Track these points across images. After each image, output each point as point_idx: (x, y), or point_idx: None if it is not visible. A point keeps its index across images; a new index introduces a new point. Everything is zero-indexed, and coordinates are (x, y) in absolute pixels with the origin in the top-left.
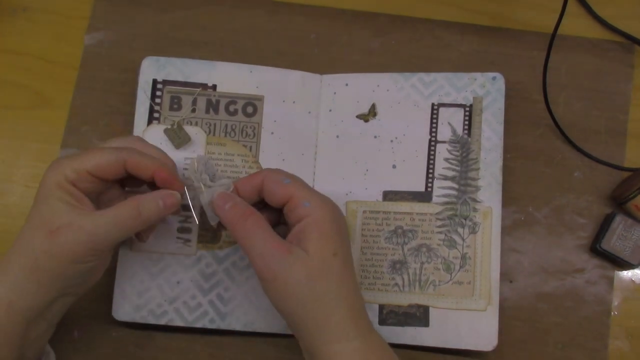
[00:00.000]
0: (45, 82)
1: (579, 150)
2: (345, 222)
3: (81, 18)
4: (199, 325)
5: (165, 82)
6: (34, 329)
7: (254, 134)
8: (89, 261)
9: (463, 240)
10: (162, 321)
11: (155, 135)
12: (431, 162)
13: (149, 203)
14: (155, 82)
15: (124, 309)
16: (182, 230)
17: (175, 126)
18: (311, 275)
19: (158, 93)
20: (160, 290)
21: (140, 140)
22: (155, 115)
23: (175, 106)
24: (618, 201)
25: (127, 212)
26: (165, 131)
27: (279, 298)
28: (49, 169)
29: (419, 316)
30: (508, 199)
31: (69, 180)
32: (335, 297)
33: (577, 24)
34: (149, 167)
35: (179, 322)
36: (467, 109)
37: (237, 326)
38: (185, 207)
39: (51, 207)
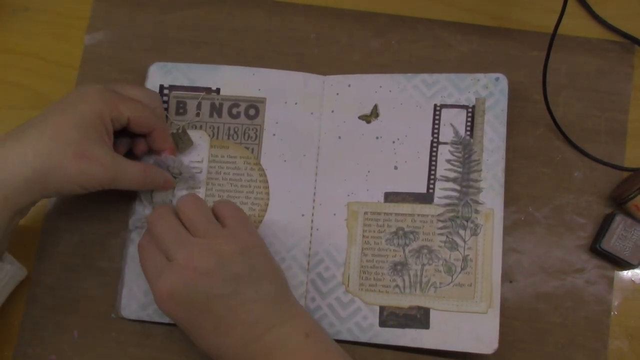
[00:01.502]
0: (45, 82)
1: (579, 150)
2: None
3: (81, 18)
4: None
5: (172, 88)
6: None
7: (256, 136)
8: (79, 191)
9: (464, 242)
10: (167, 319)
11: None
12: (433, 163)
13: (154, 176)
14: (162, 87)
15: (131, 307)
16: None
17: (180, 130)
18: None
19: (164, 98)
20: None
21: (157, 98)
22: None
23: (181, 110)
24: (618, 201)
25: (138, 173)
26: (171, 136)
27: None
28: (99, 92)
29: (419, 318)
30: (508, 199)
31: (112, 117)
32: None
33: (577, 24)
34: (155, 128)
35: None
36: (470, 110)
37: None
38: None
39: (86, 132)
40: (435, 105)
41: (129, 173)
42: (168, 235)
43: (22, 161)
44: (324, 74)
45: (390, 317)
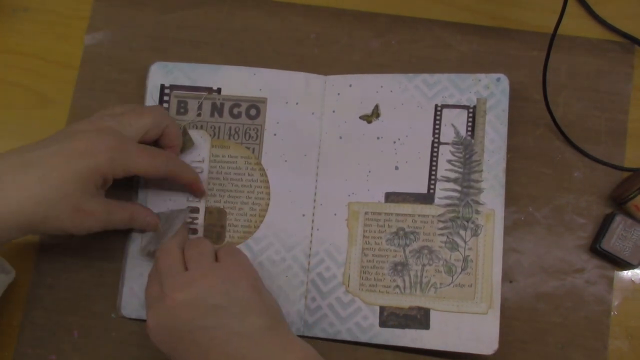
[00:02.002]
0: (45, 82)
1: (579, 150)
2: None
3: (81, 18)
4: None
5: (173, 87)
6: None
7: (257, 136)
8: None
9: (465, 242)
10: None
11: None
12: (434, 163)
13: (140, 219)
14: (162, 87)
15: (132, 306)
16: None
17: (181, 130)
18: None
19: (166, 98)
20: None
21: (166, 116)
22: None
23: (182, 110)
24: (618, 201)
25: (126, 219)
26: None
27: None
28: (110, 150)
29: (419, 319)
30: (508, 199)
31: (110, 173)
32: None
33: (577, 24)
34: (189, 179)
35: None
36: (471, 110)
37: None
38: (193, 210)
39: (86, 187)
40: (437, 106)
41: (118, 220)
42: (165, 269)
43: (18, 206)
44: (324, 74)
45: (390, 318)
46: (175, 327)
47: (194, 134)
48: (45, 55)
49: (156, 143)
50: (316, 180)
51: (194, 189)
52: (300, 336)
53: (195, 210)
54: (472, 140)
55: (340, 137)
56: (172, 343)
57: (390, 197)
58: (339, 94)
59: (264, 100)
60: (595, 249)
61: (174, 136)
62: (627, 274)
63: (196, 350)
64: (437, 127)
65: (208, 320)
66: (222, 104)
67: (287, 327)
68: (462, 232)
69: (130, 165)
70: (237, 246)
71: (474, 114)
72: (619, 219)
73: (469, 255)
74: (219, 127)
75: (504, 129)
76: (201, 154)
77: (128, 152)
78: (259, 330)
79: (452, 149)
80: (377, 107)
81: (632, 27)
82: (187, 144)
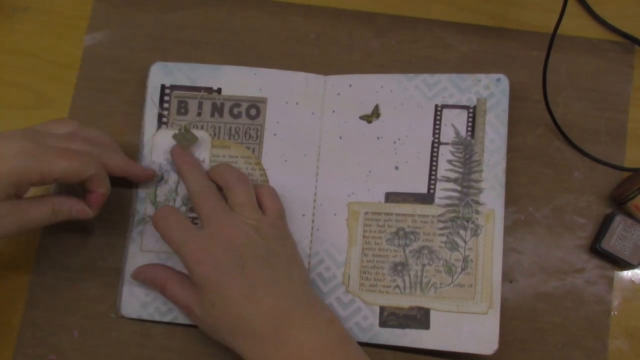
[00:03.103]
0: (45, 82)
1: (579, 150)
2: None
3: (81, 18)
4: None
5: (173, 87)
6: None
7: (257, 136)
8: None
9: (465, 242)
10: (167, 318)
11: (164, 140)
12: (434, 163)
13: (64, 208)
14: (163, 87)
15: (132, 306)
16: None
17: (182, 130)
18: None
19: (166, 98)
20: None
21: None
22: (164, 119)
23: (182, 110)
24: (618, 201)
25: (45, 211)
26: (174, 136)
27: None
28: (18, 159)
29: (419, 319)
30: (508, 199)
31: (32, 182)
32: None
33: (577, 24)
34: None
35: (182, 320)
36: (471, 110)
37: None
38: (194, 209)
39: None
40: (437, 106)
41: (36, 218)
42: (210, 209)
43: None
44: (324, 74)
45: (390, 318)
46: (224, 258)
47: (194, 133)
48: (45, 55)
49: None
50: (316, 180)
51: (142, 180)
52: None
53: None
54: (472, 140)
55: (340, 137)
56: (217, 274)
57: (390, 197)
58: (339, 94)
59: (264, 100)
60: (595, 249)
61: (96, 184)
62: (627, 274)
63: (242, 282)
64: (437, 127)
65: (260, 257)
66: (222, 104)
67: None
68: (462, 232)
69: (45, 171)
70: None
71: (474, 114)
72: (618, 219)
73: (469, 255)
74: (219, 127)
75: (504, 129)
76: (201, 154)
77: (43, 156)
78: (300, 280)
79: (452, 149)
80: (377, 107)
81: (632, 27)
82: (190, 141)
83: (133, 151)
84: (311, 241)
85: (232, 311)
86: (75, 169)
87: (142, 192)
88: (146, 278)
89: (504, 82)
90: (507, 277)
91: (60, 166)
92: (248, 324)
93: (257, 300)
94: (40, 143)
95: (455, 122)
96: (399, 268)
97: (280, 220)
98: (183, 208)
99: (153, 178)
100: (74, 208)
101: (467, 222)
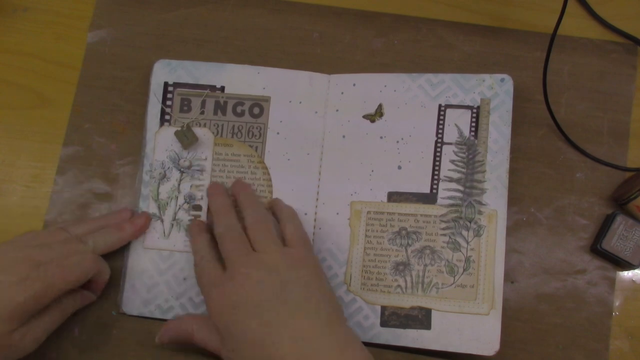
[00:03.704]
0: (46, 82)
1: (580, 151)
2: None
3: (82, 18)
4: None
5: (176, 85)
6: None
7: (260, 135)
8: None
9: (467, 243)
10: (168, 316)
11: (166, 137)
12: (437, 163)
13: (68, 307)
14: (166, 84)
15: (134, 303)
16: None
17: (184, 128)
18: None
19: (169, 95)
20: (168, 286)
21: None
22: (167, 117)
23: (185, 108)
24: (619, 202)
25: (57, 319)
26: (175, 133)
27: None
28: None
29: (421, 319)
30: (510, 199)
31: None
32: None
33: (580, 25)
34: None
35: None
36: (475, 110)
37: None
38: (196, 207)
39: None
40: (440, 106)
41: (50, 329)
42: (233, 249)
43: None
44: (327, 73)
45: (391, 317)
46: (240, 299)
47: (196, 132)
48: (45, 55)
49: None
50: (319, 179)
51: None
52: None
53: (198, 208)
54: (476, 141)
55: (344, 136)
56: (234, 315)
57: (393, 196)
58: (342, 93)
59: (267, 99)
60: (596, 249)
61: (97, 276)
62: (628, 274)
63: (258, 322)
64: (440, 127)
65: (274, 296)
66: (225, 102)
67: (345, 321)
68: (464, 233)
69: (49, 298)
70: None
71: (477, 115)
72: (619, 219)
73: (471, 256)
74: (222, 125)
75: (507, 130)
76: (204, 152)
77: (42, 283)
78: (321, 316)
79: (456, 149)
80: (380, 106)
81: (633, 27)
82: (191, 140)
83: (135, 149)
84: (313, 240)
85: (250, 357)
86: (75, 280)
87: (144, 190)
88: (172, 337)
89: (508, 83)
90: (509, 277)
91: (61, 286)
92: None
93: (272, 345)
94: (39, 269)
95: (458, 122)
96: (401, 268)
97: (299, 249)
98: (185, 206)
99: (147, 227)
100: (78, 302)
101: (470, 222)
